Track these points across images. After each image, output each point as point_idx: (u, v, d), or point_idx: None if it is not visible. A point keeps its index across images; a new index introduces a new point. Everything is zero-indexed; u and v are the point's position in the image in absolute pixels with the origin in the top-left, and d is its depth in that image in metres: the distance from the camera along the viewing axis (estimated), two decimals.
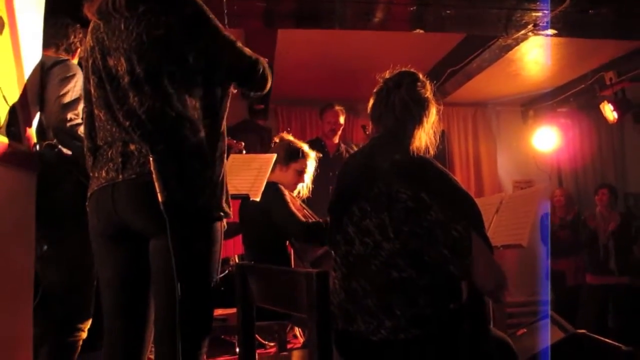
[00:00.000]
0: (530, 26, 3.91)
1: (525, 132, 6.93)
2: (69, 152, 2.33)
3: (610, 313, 5.24)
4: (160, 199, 1.58)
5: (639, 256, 5.22)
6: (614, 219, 5.29)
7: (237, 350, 3.98)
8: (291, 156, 3.21)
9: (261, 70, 1.87)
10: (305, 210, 3.20)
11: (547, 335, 2.94)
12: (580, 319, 5.08)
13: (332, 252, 2.00)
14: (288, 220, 2.97)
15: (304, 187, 3.29)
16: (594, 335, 3.00)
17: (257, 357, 1.94)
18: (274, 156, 3.06)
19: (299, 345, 4.42)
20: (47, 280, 2.28)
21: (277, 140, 3.39)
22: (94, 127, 1.80)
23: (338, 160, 4.64)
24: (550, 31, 3.93)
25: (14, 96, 2.11)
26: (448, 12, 3.71)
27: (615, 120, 5.50)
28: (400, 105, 1.94)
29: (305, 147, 3.29)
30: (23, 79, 2.20)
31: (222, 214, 1.75)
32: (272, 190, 2.97)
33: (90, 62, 1.79)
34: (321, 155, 3.49)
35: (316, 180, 3.40)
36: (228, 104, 1.84)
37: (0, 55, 2.04)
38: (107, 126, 1.74)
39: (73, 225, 2.21)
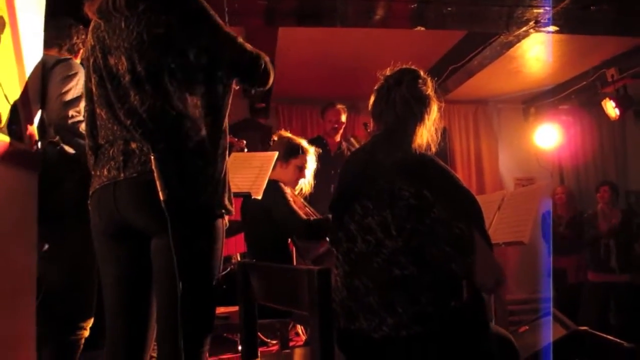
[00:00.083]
0: (531, 23, 3.90)
1: (527, 130, 6.92)
2: (72, 151, 2.33)
3: (612, 311, 5.24)
4: (161, 197, 1.58)
5: None
6: (615, 217, 5.29)
7: (240, 348, 4.00)
8: (291, 152, 3.21)
9: (263, 65, 1.87)
10: (306, 208, 3.21)
11: (549, 333, 2.94)
12: (582, 316, 5.08)
13: (334, 249, 2.01)
14: (289, 218, 2.97)
15: (306, 183, 3.30)
16: (596, 332, 3.00)
17: (259, 354, 1.94)
18: (276, 154, 3.06)
19: (301, 343, 4.43)
20: (49, 279, 2.28)
21: (275, 138, 3.39)
22: (95, 125, 1.80)
23: (340, 158, 4.64)
24: (552, 28, 3.93)
25: (15, 95, 2.12)
26: (449, 9, 3.71)
27: (617, 117, 5.49)
28: (401, 103, 1.94)
29: (304, 142, 3.29)
30: (24, 77, 2.20)
31: (223, 211, 1.75)
32: (273, 188, 2.97)
33: (91, 61, 1.79)
34: (320, 150, 3.49)
35: (318, 178, 3.40)
36: (230, 101, 1.84)
37: (1, 54, 2.04)
38: (108, 125, 1.74)
39: (75, 224, 2.22)
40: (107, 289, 1.79)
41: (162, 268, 1.67)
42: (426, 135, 1.94)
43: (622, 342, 2.86)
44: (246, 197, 2.89)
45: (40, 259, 2.24)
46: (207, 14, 1.75)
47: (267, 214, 3.00)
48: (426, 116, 1.96)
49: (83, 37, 2.57)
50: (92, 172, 1.80)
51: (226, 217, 1.79)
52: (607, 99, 5.45)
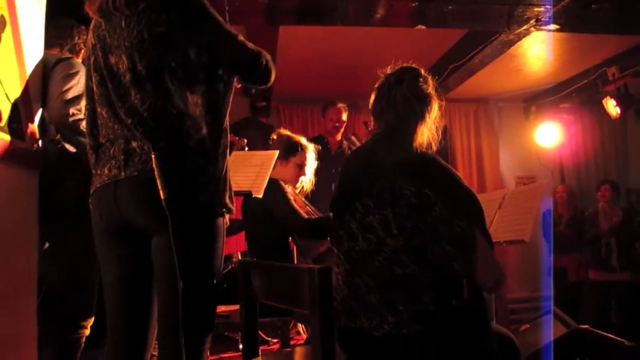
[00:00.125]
0: (532, 21, 3.90)
1: (528, 128, 6.92)
2: (73, 150, 2.33)
3: (613, 309, 5.23)
4: (162, 195, 1.58)
5: None
6: (616, 215, 5.29)
7: (241, 346, 4.00)
8: (290, 150, 3.21)
9: (264, 63, 1.87)
10: (307, 207, 3.20)
11: (549, 331, 2.94)
12: (583, 315, 5.08)
13: (335, 248, 2.01)
14: (290, 217, 2.97)
15: (307, 180, 3.29)
16: (597, 331, 3.00)
17: (260, 353, 1.94)
18: (276, 153, 3.06)
19: (302, 342, 4.43)
20: (50, 278, 2.28)
21: (274, 136, 3.39)
22: (96, 124, 1.80)
23: (340, 157, 4.64)
24: (553, 26, 3.92)
25: (16, 93, 2.12)
26: (450, 7, 3.71)
27: (618, 116, 5.49)
28: (402, 101, 1.93)
29: (303, 140, 3.29)
30: (25, 76, 2.21)
31: (224, 209, 1.75)
32: (274, 187, 2.97)
33: (92, 59, 1.79)
34: (320, 147, 3.48)
35: (319, 177, 3.40)
36: (231, 100, 1.84)
37: (2, 53, 2.05)
38: (109, 124, 1.74)
39: (75, 223, 2.22)
40: (108, 287, 1.79)
41: (162, 267, 1.67)
42: (427, 133, 1.94)
43: (622, 340, 2.85)
44: (247, 195, 2.89)
45: (40, 257, 2.24)
46: (208, 12, 1.75)
47: (268, 212, 3.00)
48: (427, 115, 1.95)
49: (84, 37, 2.58)
50: (93, 171, 1.80)
51: (227, 216, 1.79)
52: (608, 97, 5.44)
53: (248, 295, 1.90)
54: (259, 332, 2.18)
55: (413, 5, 3.69)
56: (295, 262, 3.27)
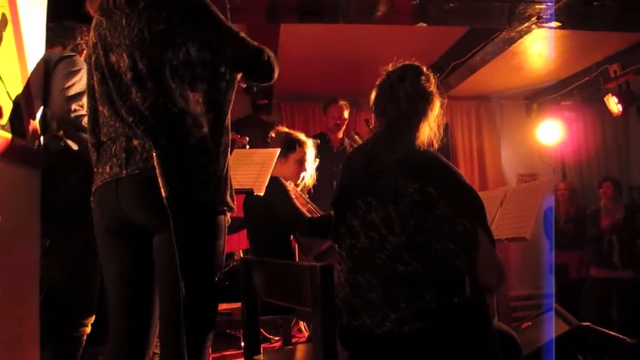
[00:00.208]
0: (533, 19, 3.89)
1: (529, 126, 6.92)
2: (75, 147, 2.34)
3: (614, 306, 5.23)
4: (163, 193, 1.58)
5: None
6: (618, 212, 5.28)
7: (242, 344, 4.01)
8: (288, 147, 3.20)
9: (267, 59, 1.87)
10: (309, 205, 3.20)
11: (551, 328, 2.94)
12: (584, 312, 5.08)
13: (336, 246, 2.01)
14: (292, 216, 2.97)
15: (309, 176, 3.29)
16: (598, 328, 3.00)
17: (262, 351, 1.94)
18: (278, 150, 3.05)
19: (303, 339, 4.44)
20: (51, 276, 2.29)
21: (273, 134, 3.38)
22: (97, 123, 1.81)
23: (342, 155, 4.63)
24: (554, 23, 3.92)
25: (17, 92, 2.12)
26: (451, 5, 3.71)
27: (620, 113, 5.48)
28: (405, 99, 1.93)
29: (301, 136, 3.28)
30: (26, 74, 2.21)
31: (225, 208, 1.75)
32: (275, 185, 2.97)
33: (93, 58, 1.79)
34: (319, 141, 3.48)
35: (320, 174, 3.39)
36: (233, 98, 1.83)
37: (3, 52, 2.05)
38: (110, 122, 1.74)
39: (77, 221, 2.22)
40: (110, 286, 1.80)
41: (164, 265, 1.67)
42: (429, 131, 1.94)
43: (624, 337, 2.85)
44: (249, 193, 2.89)
45: (42, 255, 2.25)
46: (209, 9, 1.75)
47: (270, 210, 3.00)
48: (429, 113, 1.95)
49: (86, 38, 2.58)
50: (95, 169, 1.80)
51: (228, 214, 1.79)
52: (610, 94, 5.43)
53: (250, 293, 1.90)
54: (261, 330, 2.18)
55: (414, 2, 3.68)
56: (297, 259, 3.27)
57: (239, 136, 3.47)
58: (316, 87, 6.08)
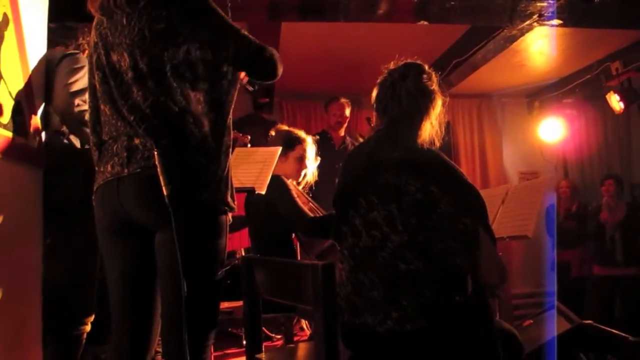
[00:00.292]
0: (535, 16, 3.89)
1: (531, 123, 6.91)
2: (77, 145, 2.34)
3: (617, 304, 5.23)
4: (164, 192, 1.58)
5: None
6: (621, 210, 5.28)
7: (244, 342, 4.01)
8: (288, 145, 3.19)
9: (269, 55, 1.86)
10: (310, 204, 3.20)
11: (553, 326, 2.93)
12: (586, 310, 5.08)
13: (337, 244, 2.00)
14: (293, 214, 2.97)
15: (310, 173, 3.28)
16: (601, 326, 3.00)
17: (263, 349, 1.94)
18: (279, 149, 3.05)
19: (305, 338, 4.44)
20: (51, 274, 2.29)
21: (272, 133, 3.37)
22: (99, 121, 1.81)
23: (344, 152, 4.64)
24: (556, 21, 3.91)
25: (19, 91, 2.12)
26: (452, 3, 3.70)
27: (622, 111, 5.47)
28: (407, 97, 1.93)
29: (301, 133, 3.28)
30: (28, 74, 2.21)
31: (226, 208, 1.75)
32: (277, 183, 2.97)
33: (94, 57, 1.79)
34: (319, 138, 3.47)
35: (322, 173, 3.39)
36: (235, 97, 1.83)
37: (5, 51, 2.05)
38: (112, 121, 1.74)
39: (79, 220, 2.22)
40: (112, 284, 1.80)
41: (165, 263, 1.68)
42: (430, 129, 1.94)
43: (626, 335, 2.85)
44: (250, 192, 2.88)
45: (43, 254, 2.25)
46: (209, 7, 1.74)
47: (271, 209, 3.00)
48: (431, 110, 1.95)
49: (88, 38, 2.58)
50: (96, 168, 1.80)
51: (229, 214, 1.79)
52: (612, 92, 5.42)
53: (251, 292, 1.90)
54: (263, 328, 2.18)
55: (415, 0, 3.68)
56: (299, 258, 3.27)
57: (240, 134, 3.47)
58: (317, 85, 6.08)
